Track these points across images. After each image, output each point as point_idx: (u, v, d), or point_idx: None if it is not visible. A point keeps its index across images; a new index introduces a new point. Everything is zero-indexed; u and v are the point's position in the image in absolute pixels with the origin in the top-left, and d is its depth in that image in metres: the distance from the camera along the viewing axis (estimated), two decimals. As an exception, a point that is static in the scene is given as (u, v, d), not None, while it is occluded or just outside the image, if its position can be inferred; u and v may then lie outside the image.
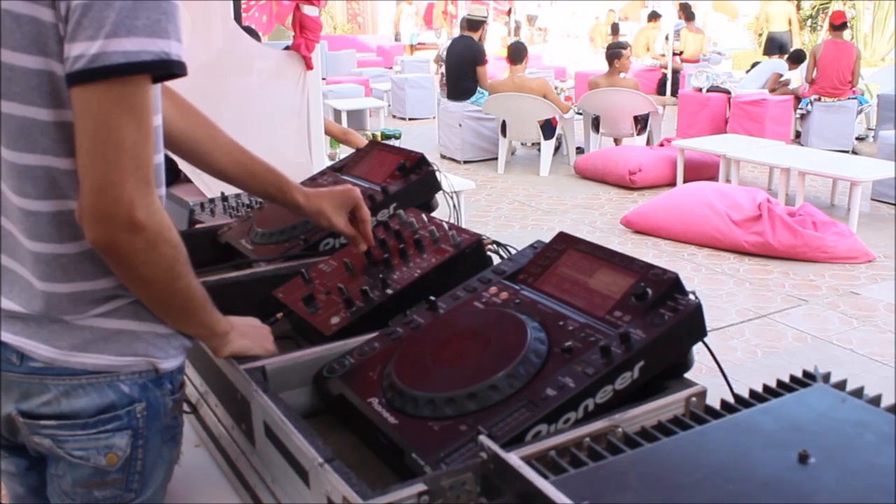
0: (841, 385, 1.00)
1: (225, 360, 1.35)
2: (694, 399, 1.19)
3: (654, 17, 14.60)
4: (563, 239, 1.46)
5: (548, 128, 8.48)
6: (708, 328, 3.58)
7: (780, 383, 1.02)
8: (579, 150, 9.15)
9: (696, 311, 1.21)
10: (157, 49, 1.02)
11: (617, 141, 9.18)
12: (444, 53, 9.61)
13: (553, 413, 1.10)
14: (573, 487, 0.76)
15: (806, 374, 1.03)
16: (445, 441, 1.08)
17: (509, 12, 18.63)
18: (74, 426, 1.17)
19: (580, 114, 9.06)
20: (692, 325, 1.21)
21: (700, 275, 5.35)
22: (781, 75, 10.02)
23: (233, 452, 1.39)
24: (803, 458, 0.81)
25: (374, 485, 1.04)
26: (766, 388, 1.01)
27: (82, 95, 1.01)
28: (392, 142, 4.95)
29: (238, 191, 2.77)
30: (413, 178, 1.99)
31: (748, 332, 4.45)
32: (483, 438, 0.83)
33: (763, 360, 4.09)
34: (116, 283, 1.16)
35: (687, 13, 13.81)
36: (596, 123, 8.93)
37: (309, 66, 4.42)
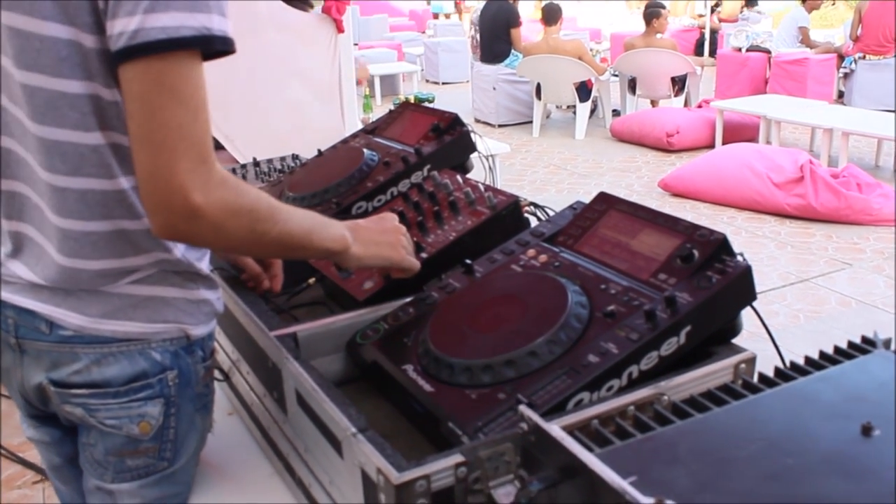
0: (903, 351, 0.94)
1: (255, 326, 1.32)
2: (743, 366, 1.13)
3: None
4: (603, 199, 1.40)
5: (583, 90, 8.34)
6: None
7: (837, 350, 0.96)
8: (615, 113, 9.00)
9: (745, 274, 1.15)
10: (198, 24, 0.96)
11: (654, 103, 9.01)
12: (477, 16, 9.47)
13: (595, 380, 1.05)
14: (619, 461, 0.71)
15: (865, 339, 0.97)
16: (483, 410, 1.04)
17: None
18: (106, 395, 1.15)
19: (616, 75, 8.90)
20: (741, 288, 1.15)
21: (740, 238, 5.24)
22: (807, 27, 9.74)
23: (265, 421, 1.37)
24: (867, 430, 0.75)
25: (409, 455, 1.00)
26: (822, 354, 0.95)
27: (125, 76, 0.97)
28: (426, 105, 4.87)
29: (270, 156, 2.74)
30: (447, 139, 1.93)
31: (790, 297, 4.35)
32: (523, 408, 0.79)
33: (806, 325, 4.00)
34: (150, 261, 1.13)
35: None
36: (632, 85, 8.76)
37: (340, 30, 4.36)
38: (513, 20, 8.97)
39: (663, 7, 8.78)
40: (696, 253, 1.18)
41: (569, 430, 0.95)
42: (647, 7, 8.84)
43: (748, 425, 0.79)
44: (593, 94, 8.52)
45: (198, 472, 1.33)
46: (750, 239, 5.24)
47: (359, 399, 1.27)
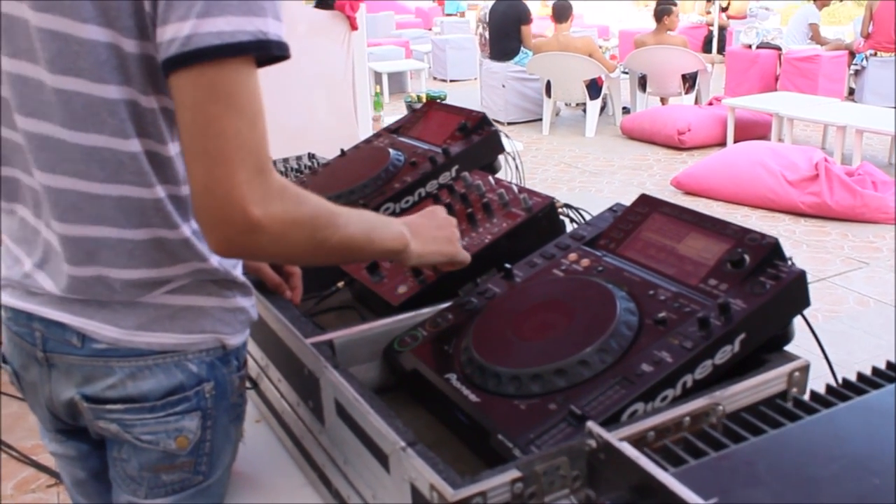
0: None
1: (288, 333, 1.28)
2: (797, 374, 1.10)
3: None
4: (645, 201, 1.37)
5: (593, 87, 8.30)
6: None
7: (890, 364, 0.92)
8: (625, 110, 8.95)
9: (800, 279, 1.13)
10: (254, 28, 0.91)
11: (664, 100, 8.96)
12: (487, 13, 9.42)
13: (650, 390, 1.01)
14: (697, 480, 0.67)
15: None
16: (534, 421, 1.01)
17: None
18: (142, 409, 1.11)
19: (626, 73, 8.85)
20: (795, 294, 1.12)
21: (755, 237, 5.19)
22: (817, 24, 9.68)
23: (298, 430, 1.33)
24: (953, 448, 0.72)
25: (455, 468, 0.97)
26: (889, 364, 0.92)
27: (177, 84, 0.92)
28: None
29: (283, 154, 2.70)
30: (475, 139, 1.89)
31: (807, 297, 4.30)
32: (591, 424, 0.75)
33: (825, 325, 3.96)
34: (186, 271, 1.09)
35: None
36: (643, 82, 8.71)
37: (353, 27, 4.33)
38: (523, 17, 8.93)
39: (674, 4, 8.72)
40: (747, 258, 1.15)
41: (629, 442, 0.92)
42: (658, 4, 8.78)
43: (827, 442, 0.75)
44: (603, 91, 8.47)
45: (230, 482, 1.30)
46: (765, 238, 5.18)
47: (397, 409, 1.23)
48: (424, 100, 4.90)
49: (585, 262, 1.30)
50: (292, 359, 1.29)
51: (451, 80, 12.43)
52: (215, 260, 1.10)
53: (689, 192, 6.12)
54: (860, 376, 0.91)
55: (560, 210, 1.62)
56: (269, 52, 0.94)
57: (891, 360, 0.93)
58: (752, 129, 7.45)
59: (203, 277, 1.11)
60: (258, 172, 0.93)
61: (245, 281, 1.18)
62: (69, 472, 1.31)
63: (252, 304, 1.20)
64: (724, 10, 12.73)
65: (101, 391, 1.10)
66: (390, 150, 1.95)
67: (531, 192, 1.56)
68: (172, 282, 1.08)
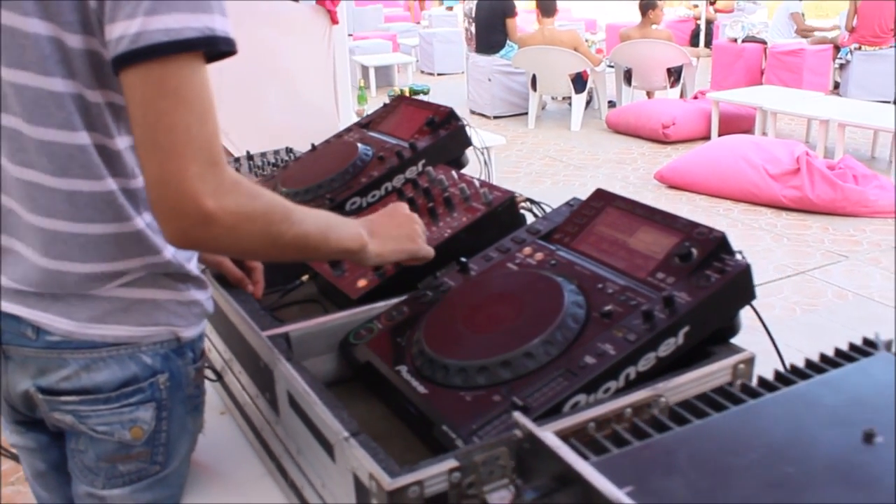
0: (905, 352, 0.92)
1: (246, 326, 1.30)
2: (742, 366, 1.12)
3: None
4: (600, 196, 1.38)
5: (579, 81, 8.31)
6: None
7: (838, 351, 0.94)
8: (611, 104, 8.97)
9: (745, 273, 1.14)
10: (201, 25, 0.93)
11: (649, 94, 8.98)
12: (473, 7, 9.42)
13: (592, 382, 1.03)
14: (615, 470, 0.69)
15: (866, 341, 0.96)
16: (478, 412, 1.03)
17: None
18: (97, 401, 1.12)
19: (612, 66, 8.86)
20: (740, 287, 1.14)
21: (736, 230, 5.23)
22: (799, 13, 9.71)
23: (258, 421, 1.35)
24: (869, 437, 0.74)
25: (403, 457, 0.99)
26: (822, 357, 0.94)
27: (127, 81, 0.93)
28: (420, 97, 4.84)
29: (266, 148, 2.71)
30: (442, 134, 1.91)
31: (786, 290, 4.34)
32: (517, 415, 0.77)
33: (802, 318, 3.99)
34: (140, 264, 1.10)
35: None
36: (628, 76, 8.73)
37: (334, 21, 4.33)
38: (508, 10, 8.94)
39: (659, -2, 8.76)
40: (694, 251, 1.16)
41: (565, 433, 0.94)
42: (642, -2, 8.81)
43: (748, 432, 0.77)
44: (589, 85, 8.49)
45: (190, 472, 1.32)
46: (746, 231, 5.22)
47: (352, 400, 1.25)
48: (408, 93, 4.90)
49: (539, 255, 1.32)
50: (250, 351, 1.30)
51: (438, 74, 12.43)
52: (169, 253, 1.12)
53: (672, 186, 6.15)
54: (793, 367, 0.93)
55: (523, 204, 1.64)
56: (217, 47, 0.96)
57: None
58: (736, 123, 7.49)
59: (157, 271, 1.12)
60: (210, 165, 0.94)
61: (199, 274, 1.19)
62: (30, 463, 1.32)
63: (207, 297, 1.22)
64: (711, 3, 12.75)
65: (55, 383, 1.11)
66: (359, 145, 1.96)
67: (492, 187, 1.58)
68: (126, 275, 1.10)
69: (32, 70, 0.98)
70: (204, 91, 0.95)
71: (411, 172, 1.83)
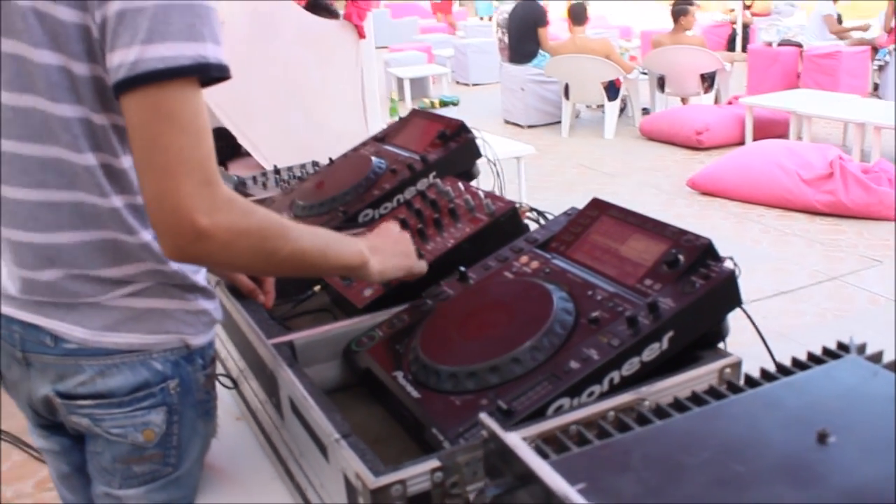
0: (877, 357, 0.95)
1: (254, 334, 1.35)
2: (728, 370, 1.15)
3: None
4: (596, 205, 1.42)
5: (611, 89, 8.32)
6: (776, 291, 3.52)
7: (810, 356, 0.97)
8: (645, 111, 8.95)
9: (730, 278, 1.16)
10: (194, 53, 0.99)
11: (684, 100, 8.94)
12: (506, 17, 9.48)
13: (576, 386, 1.07)
14: (571, 468, 0.73)
15: (840, 345, 0.98)
16: (465, 416, 1.07)
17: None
18: (111, 405, 1.19)
19: (645, 74, 8.85)
20: (725, 292, 1.16)
21: (769, 236, 5.20)
22: (832, 15, 9.59)
23: (267, 426, 1.41)
24: (822, 438, 0.77)
25: (399, 460, 1.03)
26: (794, 361, 0.96)
27: (126, 105, 1.00)
28: (450, 108, 4.91)
29: (296, 162, 2.78)
30: (452, 146, 1.96)
31: (818, 295, 4.31)
32: (483, 416, 0.81)
33: (833, 324, 3.96)
34: (143, 270, 1.16)
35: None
36: (661, 83, 8.71)
37: (361, 35, 4.41)
38: (540, 20, 8.97)
39: (690, 3, 8.71)
40: (681, 258, 1.19)
41: (545, 436, 0.97)
42: (674, 4, 8.78)
43: (705, 432, 0.80)
44: (622, 92, 8.49)
45: (204, 475, 1.38)
46: (778, 237, 5.19)
47: (354, 405, 1.30)
48: (437, 105, 4.95)
49: (535, 264, 1.36)
50: (258, 359, 1.36)
51: (473, 84, 12.49)
52: (175, 264, 1.18)
53: (704, 193, 6.13)
54: (763, 372, 0.95)
55: (528, 214, 1.69)
56: (210, 73, 1.02)
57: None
58: (771, 128, 7.42)
59: (164, 281, 1.19)
60: (205, 184, 1.00)
61: (207, 285, 1.25)
62: (55, 466, 1.39)
63: (215, 306, 1.28)
64: (747, 7, 12.65)
65: (72, 388, 1.18)
66: (373, 159, 2.02)
67: (495, 198, 1.62)
68: (134, 283, 1.16)
69: (42, 96, 1.05)
70: (198, 114, 1.01)
71: (422, 184, 1.88)
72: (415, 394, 1.16)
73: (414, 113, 2.24)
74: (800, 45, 9.55)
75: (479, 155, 1.99)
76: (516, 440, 0.76)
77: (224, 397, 1.59)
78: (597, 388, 1.08)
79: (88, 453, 1.27)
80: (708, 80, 8.43)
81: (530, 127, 9.02)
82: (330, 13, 5.19)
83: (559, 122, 8.82)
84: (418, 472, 0.94)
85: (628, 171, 7.08)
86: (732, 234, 5.26)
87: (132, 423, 1.20)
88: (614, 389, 1.09)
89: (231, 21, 5.94)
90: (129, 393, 1.19)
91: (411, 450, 1.17)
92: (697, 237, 1.22)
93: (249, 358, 1.47)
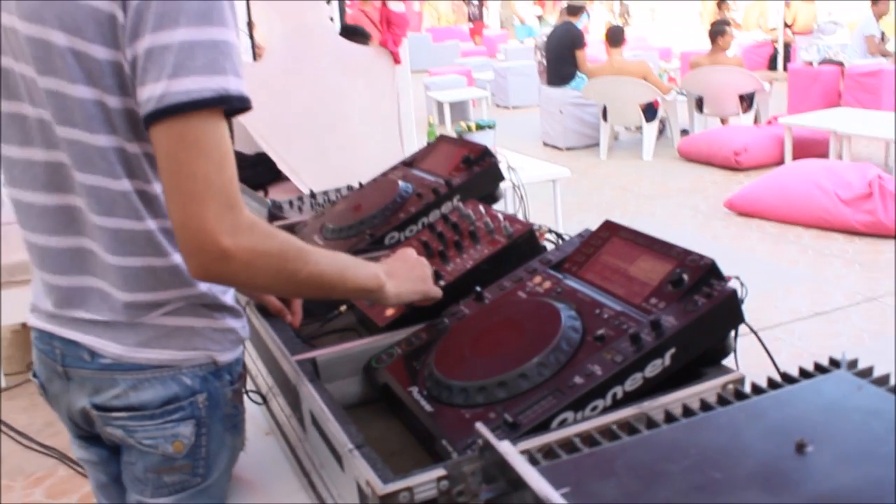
0: (866, 372, 0.98)
1: (279, 351, 1.42)
2: (730, 386, 1.18)
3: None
4: (607, 227, 1.47)
5: (649, 111, 8.33)
6: (812, 313, 3.55)
7: (802, 371, 1.01)
8: (684, 132, 8.94)
9: (731, 298, 1.21)
10: (216, 86, 1.07)
11: (724, 121, 8.92)
12: (543, 41, 9.56)
13: (579, 400, 1.12)
14: (558, 474, 0.78)
15: (832, 360, 1.02)
16: (474, 428, 1.12)
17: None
18: (143, 417, 1.26)
19: (683, 95, 8.85)
20: (727, 311, 1.21)
21: (806, 257, 5.17)
22: (876, 36, 9.48)
23: (292, 439, 1.47)
24: (801, 447, 0.81)
25: (411, 470, 1.08)
26: (784, 375, 1.01)
27: (155, 135, 1.08)
28: (486, 132, 4.98)
29: (333, 186, 2.86)
30: (476, 170, 2.02)
31: (855, 317, 4.27)
32: (479, 426, 0.87)
33: (870, 345, 3.93)
34: (178, 295, 1.24)
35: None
36: (700, 104, 8.70)
37: (397, 61, 4.51)
38: (578, 42, 9.04)
39: (728, 24, 8.72)
40: (685, 277, 1.24)
41: (546, 448, 1.02)
42: (711, 25, 8.80)
43: (689, 441, 0.85)
44: (660, 114, 8.50)
45: (232, 486, 1.44)
46: (816, 258, 5.16)
47: (373, 419, 1.36)
48: (474, 129, 5.03)
49: (547, 284, 1.41)
50: (283, 375, 1.43)
51: (513, 107, 12.58)
52: (204, 285, 1.26)
53: (742, 214, 6.11)
54: (753, 386, 1.00)
55: (547, 235, 1.74)
56: (232, 104, 1.10)
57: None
58: (811, 148, 7.37)
59: (194, 301, 1.26)
60: (228, 208, 1.08)
61: (234, 305, 1.33)
62: (94, 476, 1.47)
63: (242, 325, 1.35)
64: (788, 26, 12.57)
65: (108, 400, 1.26)
66: (400, 183, 2.09)
67: (513, 220, 1.68)
68: (168, 304, 1.24)
69: (80, 128, 1.14)
70: (221, 142, 1.09)
71: (447, 207, 1.95)
72: (428, 407, 1.21)
73: (441, 138, 2.31)
74: (841, 64, 9.47)
75: (501, 178, 2.05)
76: (508, 448, 0.81)
77: (255, 413, 1.66)
78: (600, 403, 1.13)
79: (123, 464, 1.34)
80: (747, 101, 8.41)
81: (569, 149, 9.06)
82: (364, 38, 5.31)
83: (598, 145, 8.85)
84: (425, 480, 0.99)
85: (666, 193, 7.08)
86: (769, 255, 5.24)
87: (163, 435, 1.27)
88: (618, 404, 1.14)
89: (270, 48, 6.10)
90: (159, 406, 1.26)
91: (425, 462, 1.21)
92: (702, 257, 1.27)
93: (276, 375, 1.54)
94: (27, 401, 3.83)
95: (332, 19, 5.35)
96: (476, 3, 17.23)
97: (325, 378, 1.38)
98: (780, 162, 7.35)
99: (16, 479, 3.21)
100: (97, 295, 1.25)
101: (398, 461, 1.18)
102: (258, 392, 1.70)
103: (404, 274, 1.40)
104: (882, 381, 0.96)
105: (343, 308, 1.73)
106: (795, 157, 7.23)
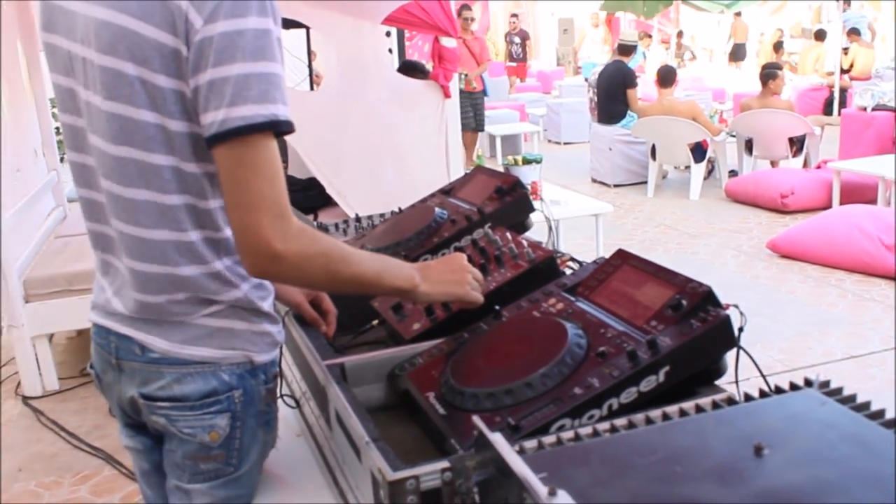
0: (835, 391, 1.08)
1: (311, 357, 1.55)
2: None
3: (819, 36, 14.07)
4: (620, 255, 1.58)
5: (698, 151, 8.38)
6: (846, 355, 3.65)
7: (777, 388, 1.11)
8: (732, 173, 8.96)
9: (724, 322, 1.31)
10: (268, 112, 1.22)
11: (773, 163, 8.92)
12: (595, 78, 9.68)
13: (577, 409, 1.23)
14: (539, 462, 0.89)
15: (807, 381, 1.12)
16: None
17: (680, 35, 18.46)
18: (184, 407, 1.40)
19: (733, 136, 8.88)
20: (719, 335, 1.30)
21: (846, 301, 5.17)
22: None
23: (320, 438, 1.60)
24: (758, 450, 0.91)
25: (422, 465, 1.19)
26: (761, 392, 1.10)
27: (217, 155, 1.24)
28: (533, 166, 5.09)
29: (373, 212, 3.00)
30: (507, 200, 2.14)
31: (890, 362, 4.28)
32: (475, 418, 0.98)
33: (903, 389, 3.94)
34: (220, 299, 1.38)
35: (852, 30, 13.20)
36: (749, 146, 8.73)
37: (447, 95, 4.68)
38: (629, 81, 9.15)
39: (779, 68, 8.76)
40: (684, 302, 1.34)
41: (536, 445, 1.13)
42: (763, 68, 8.84)
43: (659, 441, 0.96)
44: (709, 154, 8.54)
45: (263, 479, 1.57)
46: (856, 301, 5.16)
47: (393, 422, 1.49)
48: (521, 163, 5.15)
49: (560, 305, 1.53)
50: (313, 378, 1.56)
51: (564, 143, 12.69)
52: (242, 291, 1.39)
53: (784, 256, 6.12)
54: (728, 399, 1.10)
55: (569, 262, 1.86)
56: (280, 128, 1.25)
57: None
58: (860, 193, 7.34)
59: (236, 305, 1.40)
60: (279, 218, 1.24)
61: (271, 311, 1.46)
62: (138, 464, 1.62)
63: (279, 330, 1.49)
64: (845, 71, 12.52)
65: (154, 391, 1.40)
66: (436, 209, 2.22)
67: (536, 247, 1.80)
68: (212, 305, 1.38)
69: (138, 147, 1.29)
70: (273, 160, 1.25)
71: (478, 234, 2.07)
72: (441, 411, 1.33)
73: (477, 169, 2.44)
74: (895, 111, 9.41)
75: (532, 209, 2.17)
76: (498, 438, 0.93)
77: (288, 416, 1.79)
78: (596, 413, 1.24)
79: (164, 451, 1.48)
80: (797, 144, 8.41)
81: (617, 186, 9.14)
82: (424, 73, 5.49)
83: (646, 182, 8.91)
84: (430, 471, 1.11)
85: (710, 232, 7.12)
86: (809, 297, 5.26)
87: (201, 425, 1.41)
88: (613, 415, 1.24)
89: (327, 78, 6.31)
90: (199, 398, 1.40)
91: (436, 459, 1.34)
92: (700, 285, 1.37)
93: (308, 379, 1.67)
94: (79, 404, 4.02)
95: (390, 51, 5.54)
96: (518, 41, 17.38)
97: (352, 382, 1.50)
98: (828, 206, 7.33)
99: (64, 476, 3.39)
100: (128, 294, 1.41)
101: (411, 458, 1.29)
102: (292, 396, 1.83)
103: (441, 276, 1.53)
104: (847, 399, 1.06)
105: (375, 322, 1.86)
106: (843, 202, 7.21)
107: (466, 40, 9.56)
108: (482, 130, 10.50)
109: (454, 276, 1.56)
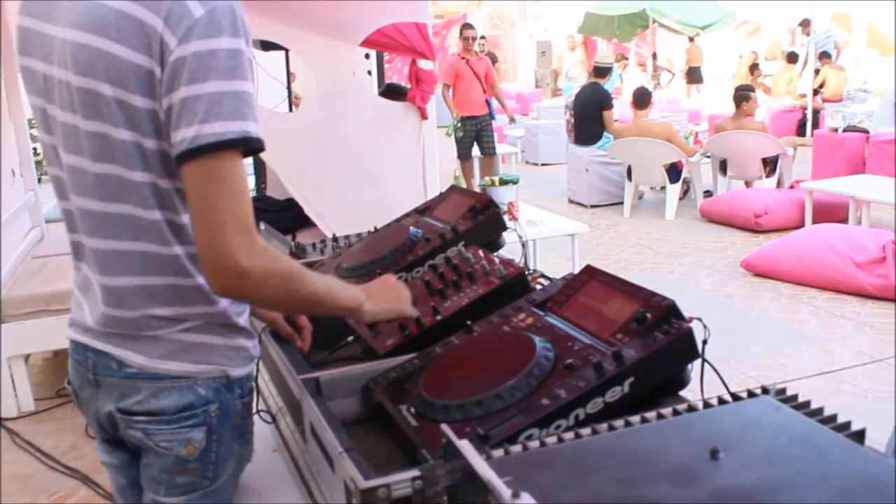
0: (790, 398, 1.12)
1: (287, 371, 1.58)
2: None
3: (791, 59, 14.31)
4: (588, 271, 1.63)
5: (673, 171, 8.49)
6: (818, 371, 3.73)
7: (733, 395, 1.15)
8: (707, 194, 9.07)
9: (687, 335, 1.35)
10: (239, 129, 1.26)
11: (748, 183, 9.04)
12: (572, 100, 9.79)
13: (544, 419, 1.26)
14: (504, 466, 0.93)
15: (764, 389, 1.16)
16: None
17: (654, 57, 18.70)
18: (160, 421, 1.43)
19: (708, 157, 9.00)
20: (682, 346, 1.35)
21: (817, 318, 5.25)
22: None
23: (295, 452, 1.63)
24: (714, 453, 0.95)
25: (394, 476, 1.23)
26: (720, 399, 1.15)
27: (186, 170, 1.27)
28: (510, 187, 5.13)
29: (349, 232, 3.04)
30: (480, 219, 2.19)
31: (860, 377, 4.35)
32: (443, 427, 1.02)
33: (872, 405, 4.01)
34: (197, 312, 1.41)
35: (822, 54, 13.45)
36: (723, 166, 8.85)
37: (424, 117, 4.73)
38: (605, 103, 9.26)
39: (752, 90, 8.90)
40: (648, 316, 1.39)
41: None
42: (736, 90, 8.97)
43: (621, 445, 1.00)
44: (684, 174, 8.64)
45: (239, 493, 1.59)
46: (827, 319, 5.24)
47: (367, 436, 1.52)
48: (497, 184, 5.20)
49: (529, 320, 1.57)
50: (289, 392, 1.59)
51: (542, 164, 12.79)
52: (222, 305, 1.42)
53: (758, 274, 6.21)
54: (689, 405, 1.14)
55: (540, 279, 1.90)
56: (251, 146, 1.28)
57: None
58: (831, 212, 7.45)
59: (212, 320, 1.43)
60: (245, 233, 1.27)
61: (247, 326, 1.49)
62: (115, 479, 1.63)
63: (254, 344, 1.52)
64: (817, 92, 12.73)
65: (131, 405, 1.43)
66: (411, 228, 2.27)
67: (507, 264, 1.84)
68: (187, 321, 1.41)
69: (119, 164, 1.33)
70: (241, 177, 1.28)
71: (451, 252, 2.11)
72: (413, 422, 1.36)
73: (452, 188, 2.48)
74: (866, 132, 9.58)
75: (504, 227, 2.22)
76: (464, 444, 0.96)
77: (264, 431, 1.82)
78: (563, 423, 1.28)
79: (141, 465, 1.50)
80: (770, 165, 8.53)
81: (593, 206, 9.22)
82: (404, 95, 5.54)
83: (622, 203, 9.00)
84: (401, 479, 1.14)
85: (685, 252, 7.20)
86: (781, 314, 5.33)
87: (177, 439, 1.43)
88: (580, 425, 1.28)
89: (306, 100, 6.35)
90: (176, 412, 1.42)
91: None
92: (664, 298, 1.42)
93: (284, 394, 1.70)
94: (55, 425, 4.01)
95: (369, 73, 5.59)
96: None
97: (327, 396, 1.53)
98: (801, 225, 7.44)
99: (39, 497, 3.37)
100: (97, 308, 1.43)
101: (385, 469, 1.31)
102: (269, 412, 1.86)
103: (382, 295, 1.60)
104: (802, 405, 1.10)
105: (350, 338, 1.89)
106: (815, 221, 7.31)
107: (470, 60, 9.45)
108: (493, 154, 9.95)
109: (392, 294, 1.63)
